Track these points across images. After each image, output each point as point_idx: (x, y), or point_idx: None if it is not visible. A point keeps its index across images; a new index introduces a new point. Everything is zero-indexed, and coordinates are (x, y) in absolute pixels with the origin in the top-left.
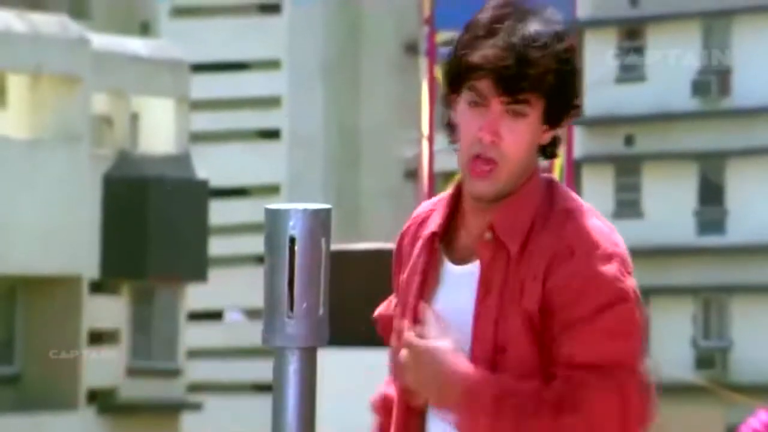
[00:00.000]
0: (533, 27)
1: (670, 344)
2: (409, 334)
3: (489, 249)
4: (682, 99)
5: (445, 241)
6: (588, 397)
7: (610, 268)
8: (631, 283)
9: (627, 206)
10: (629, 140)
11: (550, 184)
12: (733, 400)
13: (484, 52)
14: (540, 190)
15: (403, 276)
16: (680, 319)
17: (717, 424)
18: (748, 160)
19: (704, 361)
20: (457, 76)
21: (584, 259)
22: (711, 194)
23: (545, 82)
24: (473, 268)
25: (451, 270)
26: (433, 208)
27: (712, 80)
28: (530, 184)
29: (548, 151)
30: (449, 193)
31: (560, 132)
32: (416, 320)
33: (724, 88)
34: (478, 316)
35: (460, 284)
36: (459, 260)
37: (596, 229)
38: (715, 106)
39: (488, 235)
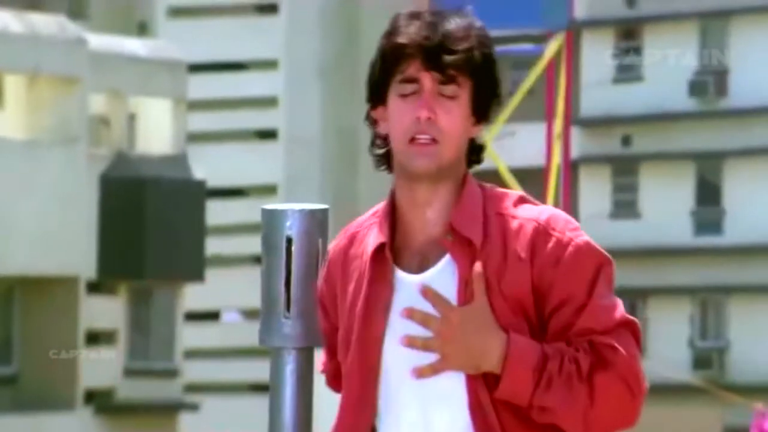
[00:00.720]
0: (452, 16)
1: (667, 344)
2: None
3: (456, 247)
4: (679, 99)
5: (392, 255)
6: (613, 356)
7: (584, 237)
8: (597, 247)
9: (624, 207)
10: (626, 140)
11: (481, 184)
12: (731, 400)
13: (409, 34)
14: (477, 189)
15: (347, 297)
16: (677, 319)
17: (714, 425)
18: (745, 161)
19: (701, 361)
20: (385, 70)
21: (564, 233)
22: (708, 194)
23: (472, 59)
24: (437, 270)
25: (405, 279)
26: (357, 230)
27: (709, 80)
28: (468, 186)
29: (473, 156)
30: (384, 205)
31: (484, 135)
32: (376, 329)
33: (721, 88)
34: None
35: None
36: (413, 270)
37: (549, 207)
38: (712, 107)
39: (449, 237)
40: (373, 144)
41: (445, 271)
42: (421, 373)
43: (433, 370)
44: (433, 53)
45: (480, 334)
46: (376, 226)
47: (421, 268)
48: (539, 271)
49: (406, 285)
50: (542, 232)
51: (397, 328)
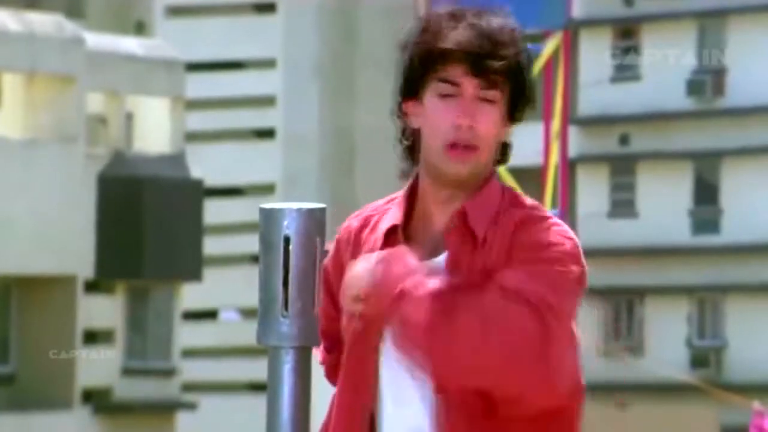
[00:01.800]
0: (494, 18)
1: (664, 344)
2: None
3: (457, 235)
4: (677, 98)
5: (404, 240)
6: (511, 312)
7: (569, 238)
8: (583, 260)
9: (622, 206)
10: (624, 140)
11: (503, 187)
12: (728, 399)
13: (455, 38)
14: (498, 190)
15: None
16: (675, 318)
17: (711, 423)
18: (742, 160)
19: (699, 360)
20: (424, 69)
21: (543, 223)
22: (706, 194)
23: (515, 65)
24: (439, 260)
25: None
26: (371, 214)
27: (707, 80)
28: (493, 181)
29: (500, 155)
30: (405, 191)
31: (512, 134)
32: None
33: (719, 87)
34: None
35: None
36: (422, 257)
37: (554, 221)
38: (710, 106)
39: (455, 221)
40: (402, 136)
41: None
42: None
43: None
44: (480, 60)
45: (375, 277)
46: (393, 209)
47: (431, 256)
48: (512, 255)
49: None
50: (523, 223)
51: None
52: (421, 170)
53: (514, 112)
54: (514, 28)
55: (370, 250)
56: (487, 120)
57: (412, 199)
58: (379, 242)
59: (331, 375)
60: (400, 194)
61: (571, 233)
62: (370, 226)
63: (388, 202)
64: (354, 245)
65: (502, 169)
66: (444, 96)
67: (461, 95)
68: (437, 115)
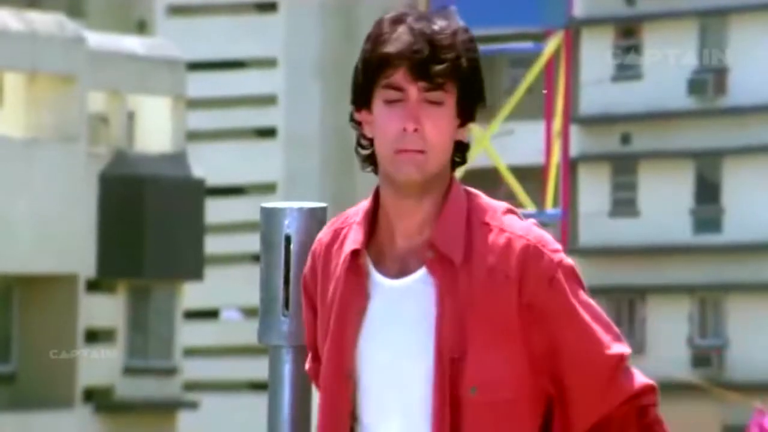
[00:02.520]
0: (435, 19)
1: (666, 343)
2: None
3: (435, 264)
4: (679, 98)
5: (372, 256)
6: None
7: (568, 259)
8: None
9: (623, 205)
10: (625, 139)
11: (467, 190)
12: (729, 398)
13: (395, 44)
14: (462, 196)
15: (327, 295)
16: (676, 317)
17: (713, 423)
18: (744, 159)
19: (700, 359)
20: (370, 76)
21: (555, 253)
22: (707, 193)
23: (459, 66)
24: (414, 279)
25: (384, 284)
26: (341, 226)
27: (709, 79)
28: (453, 192)
29: (458, 156)
30: (367, 206)
31: (468, 135)
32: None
33: (721, 86)
34: (439, 328)
35: (402, 296)
36: (392, 274)
37: (533, 225)
38: (712, 105)
39: (430, 253)
40: (358, 144)
41: (424, 282)
42: None
43: None
44: (420, 64)
45: None
46: (355, 228)
47: (400, 273)
48: (532, 287)
49: (383, 290)
50: (533, 250)
51: (373, 333)
52: (381, 182)
53: (467, 113)
54: (456, 30)
55: (337, 270)
56: (434, 122)
57: (375, 213)
58: (343, 265)
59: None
60: (365, 206)
61: (555, 242)
62: (339, 241)
63: (359, 212)
64: (324, 260)
65: (504, 169)
66: (390, 102)
67: (406, 100)
68: (384, 123)
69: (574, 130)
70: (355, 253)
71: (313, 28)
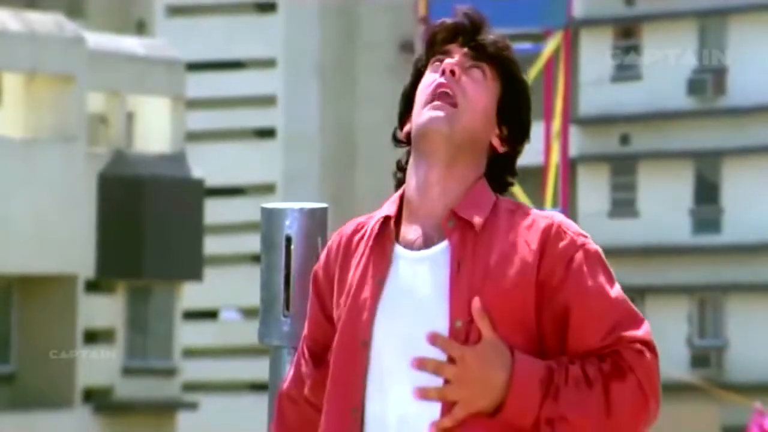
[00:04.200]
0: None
1: (665, 343)
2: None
3: (454, 231)
4: (678, 98)
5: (398, 232)
6: (636, 360)
7: (595, 245)
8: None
9: (622, 205)
10: (625, 139)
11: (496, 193)
12: (729, 399)
13: (447, 21)
14: (490, 191)
15: (346, 285)
16: (675, 318)
17: (712, 423)
18: (743, 159)
19: (699, 360)
20: (424, 54)
21: (577, 235)
22: (706, 193)
23: (501, 53)
24: (434, 251)
25: (406, 256)
26: (365, 221)
27: (708, 79)
28: (482, 184)
29: (500, 174)
30: (397, 193)
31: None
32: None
33: (720, 87)
34: (452, 293)
35: (421, 265)
36: (415, 247)
37: (565, 218)
38: (711, 105)
39: (451, 222)
40: (398, 168)
41: (444, 251)
42: (442, 425)
43: (453, 420)
44: (469, 33)
45: (493, 369)
46: (386, 205)
47: (423, 247)
48: (550, 265)
49: (405, 261)
50: (556, 229)
51: (390, 302)
52: (411, 162)
53: (507, 119)
54: (504, 36)
55: (360, 252)
56: (472, 82)
57: (402, 199)
58: (372, 234)
59: (317, 391)
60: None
61: (582, 231)
62: (362, 232)
63: (381, 211)
64: (344, 251)
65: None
66: (433, 66)
67: (451, 54)
68: (425, 81)
69: (573, 131)
70: (386, 219)
71: (312, 28)
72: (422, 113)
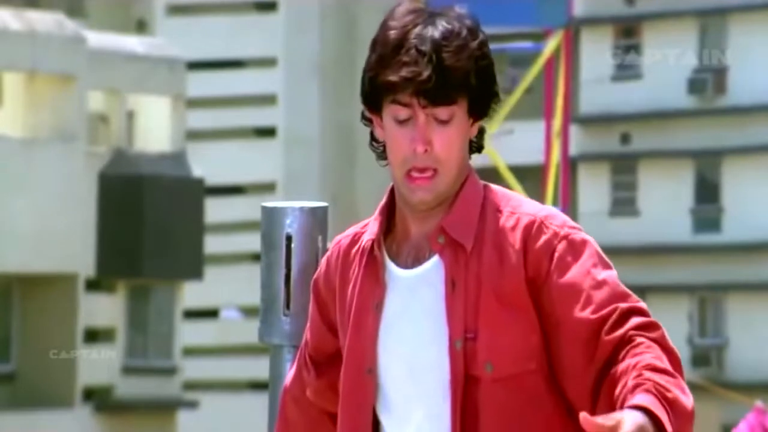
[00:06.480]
0: (442, 29)
1: None
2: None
3: (445, 249)
4: (678, 97)
5: (389, 249)
6: (663, 344)
7: (582, 234)
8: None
9: (623, 204)
10: (625, 138)
11: (486, 184)
12: (729, 398)
13: (400, 71)
14: (479, 186)
15: (346, 299)
16: (676, 317)
17: (712, 422)
18: (744, 158)
19: (700, 359)
20: (376, 97)
21: (561, 227)
22: (707, 192)
23: (467, 84)
24: (426, 268)
25: (400, 275)
26: (360, 231)
27: (708, 78)
28: (469, 185)
29: (474, 145)
30: (383, 204)
31: (485, 123)
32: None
33: (720, 86)
34: (449, 315)
35: (416, 286)
36: (408, 264)
37: (551, 208)
38: (711, 104)
39: (441, 239)
40: (372, 139)
41: (436, 268)
42: None
43: None
44: (427, 92)
45: None
46: (371, 223)
47: (415, 263)
48: (535, 262)
49: (399, 281)
50: (538, 224)
51: (391, 326)
52: (395, 184)
53: (479, 113)
54: (467, 39)
55: (356, 269)
56: (444, 141)
57: (390, 209)
58: (362, 258)
59: (320, 398)
60: (382, 203)
61: (571, 221)
62: (358, 244)
63: (366, 222)
64: (343, 263)
65: (503, 169)
66: (400, 122)
67: (415, 118)
68: (395, 143)
69: (573, 130)
70: (371, 246)
71: (312, 28)
72: (402, 183)
